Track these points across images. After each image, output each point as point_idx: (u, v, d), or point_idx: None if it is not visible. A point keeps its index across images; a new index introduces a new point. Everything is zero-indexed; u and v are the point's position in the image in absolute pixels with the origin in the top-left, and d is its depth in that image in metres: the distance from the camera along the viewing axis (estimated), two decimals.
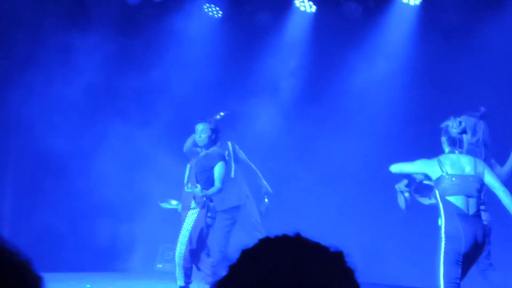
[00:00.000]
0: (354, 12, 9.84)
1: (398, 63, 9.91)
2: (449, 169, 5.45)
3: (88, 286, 8.25)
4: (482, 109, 5.96)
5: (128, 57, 9.80)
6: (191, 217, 6.92)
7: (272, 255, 1.08)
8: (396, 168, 5.60)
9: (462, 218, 5.34)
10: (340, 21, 9.87)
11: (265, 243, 1.12)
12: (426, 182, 5.72)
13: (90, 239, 9.35)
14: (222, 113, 7.71)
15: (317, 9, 10.28)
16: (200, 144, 7.12)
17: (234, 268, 1.11)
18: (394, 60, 9.93)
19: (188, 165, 7.17)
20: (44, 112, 9.34)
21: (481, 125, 6.26)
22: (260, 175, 8.09)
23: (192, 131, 7.67)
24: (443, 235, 5.34)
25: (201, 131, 7.09)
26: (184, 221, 6.91)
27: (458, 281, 5.30)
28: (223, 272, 1.12)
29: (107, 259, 9.32)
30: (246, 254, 1.11)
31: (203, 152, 7.13)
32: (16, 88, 9.29)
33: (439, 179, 5.43)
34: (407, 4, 9.88)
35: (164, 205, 7.28)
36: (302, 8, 10.29)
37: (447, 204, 5.38)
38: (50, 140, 9.21)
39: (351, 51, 10.00)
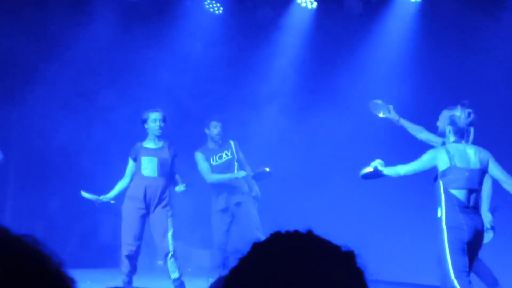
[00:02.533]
0: (355, 8, 9.82)
1: (399, 59, 9.89)
2: (458, 161, 5.44)
3: (89, 282, 8.24)
4: (465, 102, 5.96)
5: (128, 54, 9.79)
6: (170, 213, 7.17)
7: (283, 250, 1.08)
8: (409, 169, 5.56)
9: (462, 210, 5.39)
10: (341, 17, 9.85)
11: (277, 238, 1.11)
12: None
13: (91, 236, 9.35)
14: (267, 169, 7.83)
15: (318, 5, 10.27)
16: (157, 133, 7.23)
17: (245, 261, 1.10)
18: (395, 56, 9.91)
19: (149, 158, 7.20)
20: (45, 108, 9.33)
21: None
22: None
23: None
24: (444, 226, 5.36)
25: (160, 120, 7.23)
26: (159, 218, 7.12)
27: (467, 269, 5.31)
28: (228, 267, 1.11)
29: (108, 256, 9.32)
30: (257, 247, 1.11)
31: (158, 144, 7.23)
32: (17, 84, 9.28)
33: (446, 170, 5.43)
34: (409, 0, 9.86)
35: (86, 194, 7.33)
36: (303, 4, 10.27)
37: (449, 196, 5.41)
38: (51, 136, 9.20)
39: (352, 47, 9.99)
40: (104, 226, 9.37)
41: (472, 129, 5.59)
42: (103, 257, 9.36)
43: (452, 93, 9.14)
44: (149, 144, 7.28)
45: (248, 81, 10.14)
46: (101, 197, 7.36)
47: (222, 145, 8.08)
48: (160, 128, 7.22)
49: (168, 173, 7.23)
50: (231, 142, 8.14)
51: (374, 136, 9.82)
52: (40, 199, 9.50)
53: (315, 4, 10.28)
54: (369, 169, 5.75)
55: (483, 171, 5.49)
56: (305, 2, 10.26)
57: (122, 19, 9.74)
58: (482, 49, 9.22)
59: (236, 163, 8.02)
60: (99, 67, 9.56)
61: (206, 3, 10.43)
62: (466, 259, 5.32)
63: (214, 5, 10.46)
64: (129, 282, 7.14)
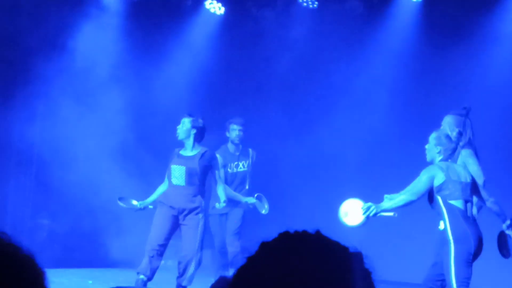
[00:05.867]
0: (356, 8, 9.83)
1: (400, 59, 9.89)
2: (451, 174, 5.59)
3: (90, 282, 8.26)
4: (467, 107, 6.05)
5: (129, 54, 9.79)
6: (201, 222, 6.98)
7: (291, 250, 1.09)
8: (419, 193, 5.58)
9: (466, 220, 5.54)
10: (343, 17, 9.85)
11: (285, 237, 1.12)
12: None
13: (92, 235, 9.35)
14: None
15: (319, 5, 10.27)
16: (178, 137, 7.12)
17: (253, 260, 1.11)
18: (396, 56, 9.91)
19: (178, 166, 7.02)
20: (45, 109, 9.35)
21: (469, 123, 6.36)
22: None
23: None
24: (451, 238, 5.47)
25: (181, 124, 7.15)
26: (189, 226, 6.91)
27: (468, 281, 5.45)
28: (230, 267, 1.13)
29: (109, 255, 9.32)
30: (266, 247, 1.12)
31: (193, 151, 7.06)
32: (18, 83, 9.29)
33: (442, 184, 5.57)
34: (410, 0, 9.86)
35: (122, 204, 7.20)
36: (304, 4, 10.27)
37: (450, 207, 5.54)
38: (52, 137, 9.22)
39: (353, 47, 9.99)
40: (106, 226, 9.37)
41: (459, 147, 5.74)
42: (105, 257, 9.36)
43: (454, 92, 9.16)
44: (183, 151, 7.11)
45: (249, 82, 10.15)
46: (139, 204, 7.16)
47: (242, 152, 8.08)
48: (177, 133, 7.10)
49: (198, 182, 6.99)
50: (250, 152, 8.11)
51: (376, 134, 9.82)
52: (41, 199, 9.51)
53: (316, 4, 10.28)
54: (357, 219, 5.72)
55: (473, 184, 5.67)
56: (306, 2, 10.25)
57: (122, 20, 9.73)
58: (483, 48, 9.22)
59: (248, 175, 8.05)
60: (100, 67, 9.56)
61: (207, 3, 10.42)
62: (470, 271, 5.47)
63: (216, 5, 10.45)
64: (144, 284, 7.04)
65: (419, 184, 5.58)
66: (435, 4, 9.64)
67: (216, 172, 7.13)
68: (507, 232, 5.76)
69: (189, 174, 6.96)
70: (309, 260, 1.07)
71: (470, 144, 6.33)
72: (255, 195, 8.00)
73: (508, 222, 5.75)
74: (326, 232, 1.12)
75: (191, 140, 7.05)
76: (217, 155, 7.90)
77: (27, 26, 9.11)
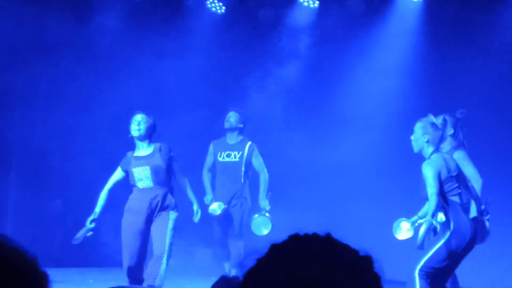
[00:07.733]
0: (357, 7, 9.83)
1: (401, 58, 9.89)
2: (450, 170, 5.59)
3: (92, 281, 8.27)
4: (464, 111, 6.09)
5: (130, 55, 9.79)
6: (172, 218, 6.62)
7: (301, 252, 1.09)
8: (437, 189, 5.42)
9: (465, 212, 5.58)
10: (344, 16, 9.86)
11: (295, 239, 1.12)
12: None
13: (93, 235, 9.36)
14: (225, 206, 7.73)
15: (320, 5, 10.27)
16: (135, 134, 6.65)
17: (263, 262, 1.11)
18: (397, 55, 9.92)
19: (141, 168, 6.64)
20: (45, 110, 9.35)
21: (461, 126, 6.38)
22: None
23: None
24: (451, 228, 5.44)
25: (137, 122, 6.65)
26: (159, 222, 6.59)
27: (433, 271, 5.40)
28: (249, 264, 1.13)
29: (110, 254, 9.33)
30: (276, 248, 1.12)
31: (148, 149, 6.67)
32: (18, 82, 9.29)
33: (443, 181, 5.55)
34: (411, 0, 9.87)
35: (79, 238, 7.04)
36: (305, 4, 10.28)
37: (451, 203, 5.55)
38: (53, 137, 9.22)
39: (354, 47, 10.00)
40: (106, 225, 9.39)
41: (445, 135, 5.75)
42: (106, 256, 9.38)
43: (455, 92, 9.16)
44: (138, 151, 6.71)
45: (250, 81, 10.15)
46: (88, 223, 6.95)
47: (239, 143, 7.87)
48: (138, 130, 6.61)
49: (166, 179, 6.63)
50: (248, 144, 7.86)
51: (374, 133, 9.83)
52: (41, 199, 9.51)
53: (317, 4, 10.28)
54: (417, 235, 5.68)
55: (462, 174, 5.69)
56: (307, 1, 10.25)
57: (123, 19, 9.74)
58: (485, 47, 9.22)
59: (243, 168, 7.83)
60: (102, 67, 9.56)
61: (208, 2, 10.43)
62: (443, 265, 5.41)
63: (216, 4, 10.46)
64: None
65: (432, 183, 5.41)
66: (436, 4, 9.64)
67: (174, 163, 6.73)
68: (481, 218, 5.81)
69: (155, 173, 6.58)
70: (319, 263, 1.07)
71: (463, 146, 6.33)
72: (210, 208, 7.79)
73: (482, 207, 5.80)
74: (337, 235, 1.12)
75: (147, 139, 6.70)
76: (211, 144, 7.92)
77: (28, 25, 9.12)
